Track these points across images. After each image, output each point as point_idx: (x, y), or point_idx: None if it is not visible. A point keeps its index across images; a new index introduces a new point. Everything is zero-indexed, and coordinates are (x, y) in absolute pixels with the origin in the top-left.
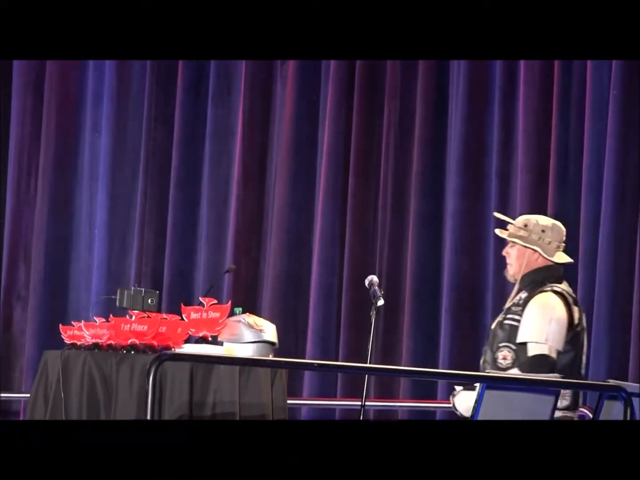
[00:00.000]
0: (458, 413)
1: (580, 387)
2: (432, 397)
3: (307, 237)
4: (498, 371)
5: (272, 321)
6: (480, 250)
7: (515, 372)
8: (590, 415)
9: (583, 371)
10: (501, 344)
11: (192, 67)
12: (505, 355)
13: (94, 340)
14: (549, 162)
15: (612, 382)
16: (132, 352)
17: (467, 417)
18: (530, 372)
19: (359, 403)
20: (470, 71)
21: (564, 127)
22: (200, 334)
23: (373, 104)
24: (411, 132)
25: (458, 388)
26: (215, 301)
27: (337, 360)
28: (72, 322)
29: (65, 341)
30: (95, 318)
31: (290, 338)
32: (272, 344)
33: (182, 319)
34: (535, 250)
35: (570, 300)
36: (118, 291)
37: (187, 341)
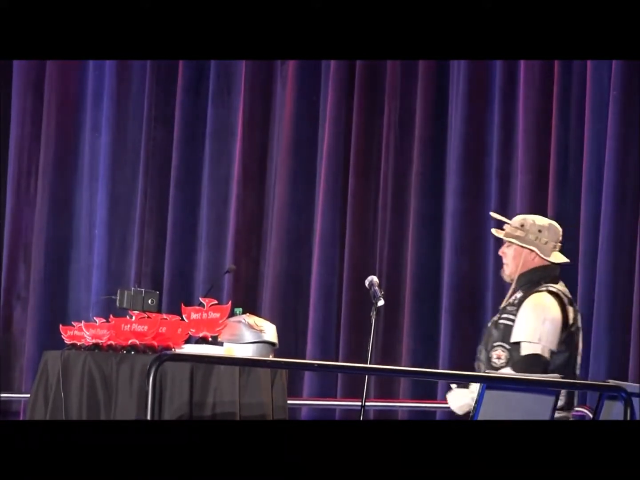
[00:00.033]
0: (453, 410)
1: (581, 387)
2: (432, 397)
3: (307, 237)
4: (493, 371)
5: (272, 321)
6: (480, 250)
7: (508, 371)
8: (590, 415)
9: (578, 371)
10: (495, 344)
11: (192, 67)
12: (499, 355)
13: (94, 341)
14: (549, 162)
15: (612, 382)
16: (132, 353)
17: (460, 415)
18: (523, 372)
19: (359, 403)
20: (470, 71)
21: (564, 127)
22: (201, 335)
23: (373, 104)
24: (411, 132)
25: (453, 386)
26: (216, 301)
27: (337, 361)
28: (72, 323)
29: (65, 341)
30: (95, 318)
31: (290, 338)
32: (272, 344)
33: (182, 319)
34: (532, 250)
35: (566, 300)
36: (118, 291)
37: (187, 341)
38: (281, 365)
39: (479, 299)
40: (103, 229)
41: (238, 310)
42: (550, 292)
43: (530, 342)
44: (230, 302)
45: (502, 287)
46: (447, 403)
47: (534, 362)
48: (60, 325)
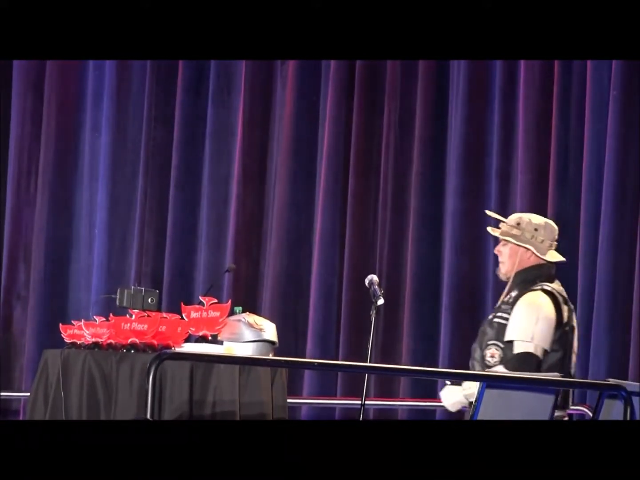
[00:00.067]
0: (446, 407)
1: (580, 386)
2: (432, 396)
3: (307, 237)
4: (487, 369)
5: (272, 320)
6: (480, 250)
7: (500, 370)
8: (590, 414)
9: (573, 370)
10: (489, 342)
11: (192, 67)
12: (493, 353)
13: (94, 340)
14: (549, 162)
15: (612, 381)
16: (132, 351)
17: (453, 412)
18: (515, 370)
19: (359, 402)
20: (470, 71)
21: (564, 127)
22: (200, 333)
23: (373, 104)
24: (411, 132)
25: (447, 383)
26: (215, 300)
27: (337, 360)
28: (72, 322)
29: (65, 340)
30: (95, 317)
31: (290, 337)
32: (272, 343)
33: (182, 318)
34: (528, 249)
35: (560, 299)
36: (118, 290)
37: (187, 340)
38: (281, 364)
39: (479, 299)
40: (103, 229)
41: (238, 309)
42: (545, 291)
43: (523, 340)
44: (230, 301)
45: (501, 287)
46: None
47: (526, 360)
48: (60, 324)
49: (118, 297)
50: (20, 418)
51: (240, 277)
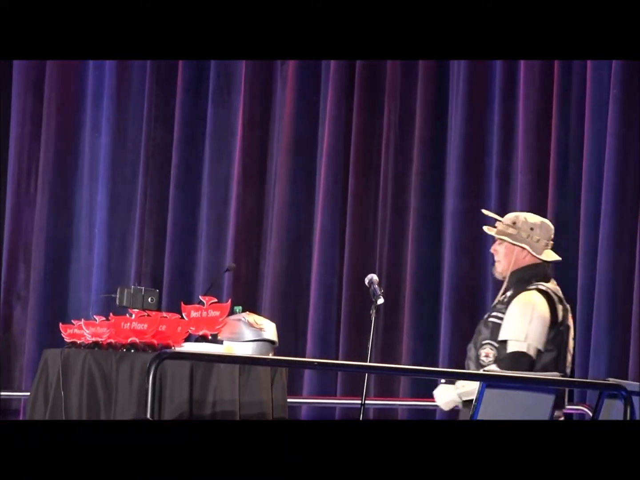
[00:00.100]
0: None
1: (580, 385)
2: (432, 396)
3: (307, 237)
4: (481, 369)
5: (272, 320)
6: (480, 250)
7: (493, 369)
8: (590, 414)
9: (568, 370)
10: (484, 342)
11: (192, 67)
12: (487, 353)
13: (94, 339)
14: (549, 162)
15: (612, 380)
16: (132, 351)
17: (446, 411)
18: (508, 369)
19: (359, 402)
20: (470, 71)
21: (564, 127)
22: (200, 333)
23: (373, 104)
24: (411, 132)
25: (442, 382)
26: (215, 300)
27: (337, 359)
28: (72, 321)
29: (65, 340)
30: (95, 317)
31: (290, 337)
32: (272, 342)
33: (182, 317)
34: (524, 248)
35: (555, 298)
36: (118, 290)
37: (187, 340)
38: (281, 363)
39: (479, 299)
40: (103, 229)
41: (238, 308)
42: (540, 291)
43: (516, 340)
44: (230, 301)
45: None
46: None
47: (519, 360)
48: (60, 324)
49: (118, 296)
50: (20, 418)
51: (240, 276)
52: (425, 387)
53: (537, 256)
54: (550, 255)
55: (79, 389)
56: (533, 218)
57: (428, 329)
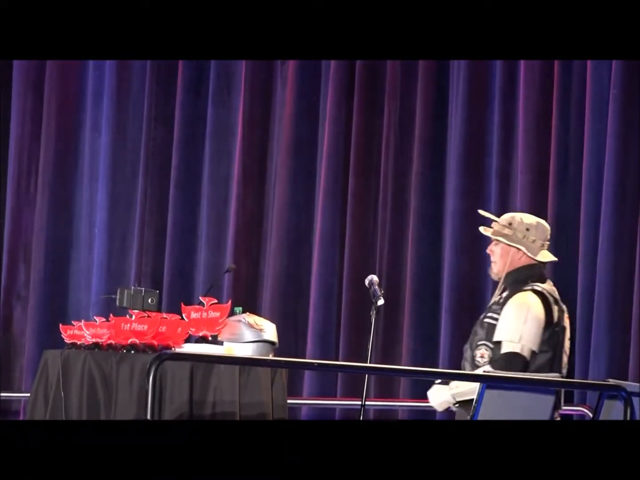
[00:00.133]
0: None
1: (581, 386)
2: None
3: (307, 237)
4: (476, 369)
5: (272, 321)
6: (480, 250)
7: (487, 370)
8: (590, 415)
9: (564, 371)
10: (480, 342)
11: (192, 67)
12: (482, 354)
13: (94, 340)
14: (549, 162)
15: (612, 381)
16: (132, 352)
17: (432, 410)
18: (502, 370)
19: (359, 403)
20: (470, 71)
21: (564, 127)
22: (200, 334)
23: (373, 104)
24: (411, 132)
25: (436, 382)
26: (216, 301)
27: (337, 360)
28: (72, 322)
29: (65, 341)
30: (95, 317)
31: (290, 338)
32: (272, 343)
33: (182, 318)
34: (519, 249)
35: (551, 299)
36: (118, 291)
37: (187, 341)
38: (281, 364)
39: (479, 299)
40: (103, 229)
41: (238, 309)
42: (535, 292)
43: (510, 341)
44: (230, 302)
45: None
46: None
47: (512, 360)
48: (60, 325)
49: (118, 297)
50: (20, 419)
51: (240, 277)
52: (425, 388)
53: (533, 257)
54: (546, 256)
55: (79, 390)
56: (529, 219)
57: (428, 330)
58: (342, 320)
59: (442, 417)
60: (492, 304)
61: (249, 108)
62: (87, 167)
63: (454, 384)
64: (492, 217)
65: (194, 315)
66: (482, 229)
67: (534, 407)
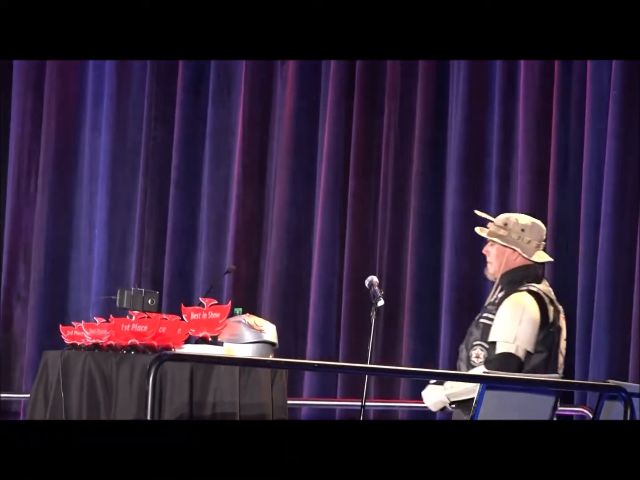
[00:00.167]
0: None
1: (580, 387)
2: None
3: (307, 237)
4: (471, 369)
5: (272, 321)
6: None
7: (482, 370)
8: (590, 416)
9: (560, 371)
10: (475, 343)
11: (192, 67)
12: (478, 354)
13: (94, 341)
14: (549, 162)
15: (612, 382)
16: (132, 353)
17: (435, 412)
18: (496, 370)
19: (359, 403)
20: (470, 71)
21: (564, 127)
22: (200, 335)
23: (373, 104)
24: (411, 132)
25: (430, 382)
26: (216, 301)
27: (337, 361)
28: (72, 323)
29: (65, 341)
30: (95, 318)
31: (290, 338)
32: (272, 344)
33: (182, 319)
34: (515, 250)
35: (546, 300)
36: (118, 291)
37: (187, 341)
38: (281, 365)
39: (479, 299)
40: (103, 229)
41: (238, 310)
42: (531, 292)
43: (505, 341)
44: (230, 302)
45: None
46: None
47: (507, 361)
48: (60, 326)
49: (118, 298)
50: (20, 419)
51: (240, 277)
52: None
53: (528, 258)
54: (542, 257)
55: (79, 391)
56: (524, 219)
57: (428, 330)
58: (342, 321)
59: (441, 417)
60: (488, 304)
61: (249, 108)
62: (87, 167)
63: (449, 384)
64: (488, 217)
65: (194, 316)
66: (477, 229)
67: (534, 408)
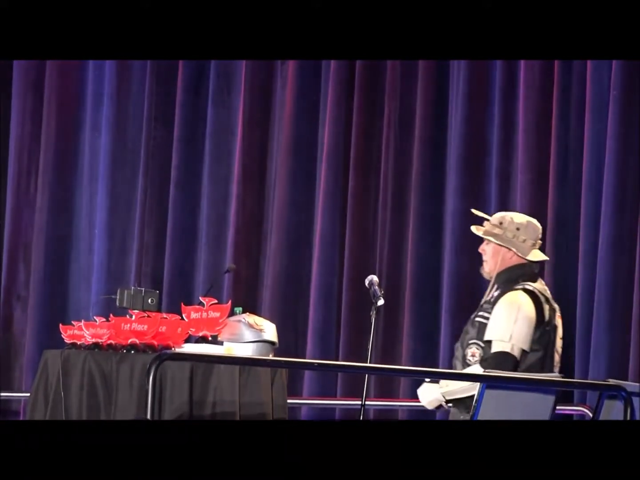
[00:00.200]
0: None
1: (580, 386)
2: None
3: (307, 237)
4: (468, 368)
5: (272, 321)
6: None
7: (477, 369)
8: (590, 415)
9: (556, 370)
10: (471, 341)
11: (192, 67)
12: (473, 353)
13: (94, 340)
14: (549, 161)
15: (612, 381)
16: (132, 352)
17: (435, 411)
18: (491, 369)
19: (359, 402)
20: (470, 71)
21: (564, 127)
22: (200, 334)
23: (373, 104)
24: (411, 132)
25: (426, 380)
26: (216, 301)
27: (337, 360)
28: (72, 322)
29: (65, 341)
30: (95, 317)
31: (290, 338)
32: (272, 343)
33: (182, 318)
34: (510, 249)
35: (542, 298)
36: (118, 291)
37: (187, 341)
38: (281, 364)
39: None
40: (103, 229)
41: (238, 309)
42: (526, 291)
43: (500, 340)
44: (230, 302)
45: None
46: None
47: (503, 360)
48: (60, 325)
49: (118, 297)
50: (21, 419)
51: (240, 277)
52: None
53: (523, 257)
54: (537, 255)
55: (79, 390)
56: (519, 218)
57: (428, 329)
58: (342, 320)
59: (441, 417)
60: (484, 303)
61: (249, 108)
62: (87, 167)
63: (444, 382)
64: (485, 215)
65: (194, 315)
66: (473, 228)
67: (534, 407)
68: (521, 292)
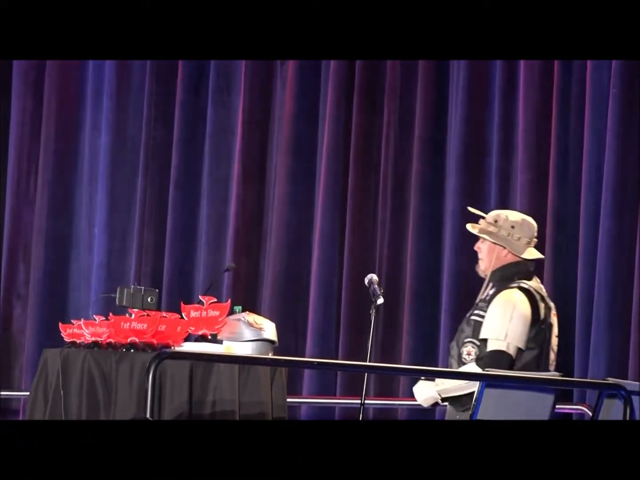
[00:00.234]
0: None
1: (580, 385)
2: None
3: (307, 236)
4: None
5: (271, 320)
6: None
7: (472, 367)
8: (590, 414)
9: (552, 368)
10: (466, 340)
11: (192, 67)
12: (469, 351)
13: (93, 339)
14: (548, 161)
15: (611, 380)
16: (132, 351)
17: (426, 408)
18: (487, 367)
19: (359, 401)
20: (470, 71)
21: (564, 127)
22: (200, 333)
23: (373, 103)
24: (411, 132)
25: (421, 378)
26: (215, 299)
27: (336, 359)
28: (72, 321)
29: (64, 339)
30: (94, 316)
31: (290, 337)
32: (272, 342)
33: (182, 317)
34: (504, 247)
35: (537, 297)
36: (118, 289)
37: (187, 339)
38: (281, 363)
39: None
40: (103, 229)
41: (238, 308)
42: (521, 289)
43: (496, 338)
44: (229, 301)
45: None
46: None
47: (498, 358)
48: (60, 324)
49: (118, 296)
50: (20, 418)
51: (240, 276)
52: None
53: (518, 255)
54: (533, 253)
55: (78, 389)
56: (514, 216)
57: (428, 329)
58: (342, 320)
59: (440, 416)
60: (479, 301)
61: (248, 108)
62: (87, 167)
63: (440, 380)
64: (480, 213)
65: (193, 314)
66: (469, 226)
67: (533, 406)
68: (516, 290)
